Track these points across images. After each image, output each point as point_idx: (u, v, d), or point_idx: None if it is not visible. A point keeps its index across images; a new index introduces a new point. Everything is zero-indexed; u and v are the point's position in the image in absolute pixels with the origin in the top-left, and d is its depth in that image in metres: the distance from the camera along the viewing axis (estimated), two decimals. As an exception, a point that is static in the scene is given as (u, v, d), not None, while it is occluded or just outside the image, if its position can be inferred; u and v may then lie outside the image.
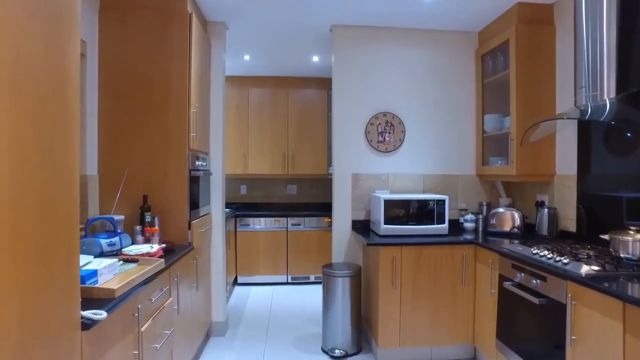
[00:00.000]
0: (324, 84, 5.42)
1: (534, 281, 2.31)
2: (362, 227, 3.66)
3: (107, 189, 2.80)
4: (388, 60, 3.71)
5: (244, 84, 5.35)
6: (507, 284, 2.57)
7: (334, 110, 3.71)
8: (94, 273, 1.70)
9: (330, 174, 5.37)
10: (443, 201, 3.31)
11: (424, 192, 3.75)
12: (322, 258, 5.14)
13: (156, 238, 2.64)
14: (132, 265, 2.15)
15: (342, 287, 3.26)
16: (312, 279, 5.19)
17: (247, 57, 4.60)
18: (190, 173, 2.91)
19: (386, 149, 3.69)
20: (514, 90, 3.14)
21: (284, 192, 5.74)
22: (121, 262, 2.17)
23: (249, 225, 5.09)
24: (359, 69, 3.69)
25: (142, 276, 1.94)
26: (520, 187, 3.62)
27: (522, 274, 2.46)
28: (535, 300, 2.22)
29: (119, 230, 2.49)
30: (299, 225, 5.13)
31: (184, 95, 2.86)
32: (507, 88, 3.44)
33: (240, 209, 5.54)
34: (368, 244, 3.00)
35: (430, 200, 3.30)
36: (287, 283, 5.19)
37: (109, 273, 1.85)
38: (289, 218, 5.12)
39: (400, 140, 3.71)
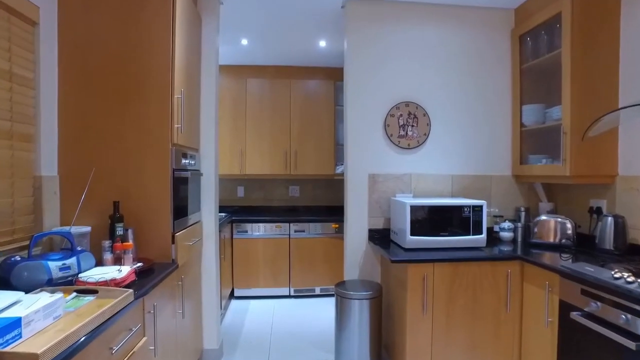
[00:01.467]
0: (330, 74, 4.86)
1: (623, 316, 1.75)
2: (380, 237, 3.10)
3: (71, 193, 2.23)
4: (410, 42, 3.15)
5: (242, 73, 4.78)
6: (575, 315, 2.01)
7: (347, 100, 3.14)
8: (14, 324, 1.13)
9: (338, 175, 4.81)
10: (480, 207, 2.75)
11: (452, 195, 3.19)
12: (329, 269, 4.58)
13: (129, 256, 2.07)
14: (88, 299, 1.58)
15: (360, 311, 2.70)
16: (317, 291, 4.62)
17: (244, 42, 4.03)
18: (174, 173, 2.34)
19: (409, 144, 3.13)
20: (567, 74, 2.58)
21: (285, 195, 5.17)
22: (74, 294, 1.60)
23: (246, 231, 4.52)
24: (376, 52, 3.12)
25: (98, 318, 1.37)
26: (565, 190, 3.06)
27: (599, 304, 1.89)
28: (631, 345, 1.66)
29: (78, 248, 1.91)
30: (303, 231, 4.56)
31: (165, 77, 2.28)
32: (553, 73, 2.88)
33: (236, 213, 4.97)
34: (394, 261, 2.44)
35: (466, 206, 2.73)
36: (289, 296, 4.63)
37: (45, 318, 1.28)
38: (291, 224, 4.55)
39: (425, 134, 3.14)
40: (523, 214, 3.12)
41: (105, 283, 1.70)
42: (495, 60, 3.23)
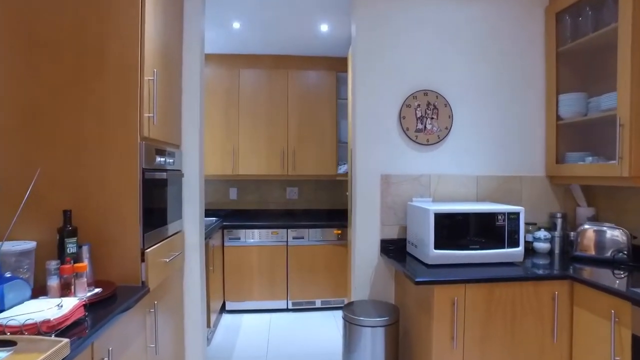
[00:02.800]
0: (332, 63, 4.38)
1: None
2: (395, 249, 2.62)
3: (10, 199, 1.74)
4: (428, 22, 2.68)
5: (234, 63, 4.30)
6: (659, 357, 1.55)
7: (355, 88, 2.67)
8: None
9: (340, 175, 4.34)
10: (517, 215, 2.28)
11: (477, 199, 2.72)
12: (331, 279, 4.10)
13: (82, 281, 1.58)
14: (1, 356, 1.09)
15: (372, 340, 2.22)
16: (318, 304, 4.14)
17: (236, 25, 3.54)
18: (144, 174, 1.86)
19: (427, 140, 2.66)
20: (626, 54, 2.11)
21: (282, 197, 4.69)
22: (-19, 349, 1.11)
23: (239, 238, 4.04)
24: (389, 33, 2.65)
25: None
26: (611, 194, 2.60)
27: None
28: None
29: (6, 275, 1.42)
30: (302, 238, 4.08)
31: (132, 53, 1.80)
32: (600, 56, 2.43)
33: (228, 217, 4.48)
34: (418, 283, 1.96)
35: (500, 213, 2.26)
36: (287, 310, 4.15)
37: None
38: (289, 230, 4.07)
39: (446, 128, 2.67)
40: (559, 220, 2.65)
41: (34, 327, 1.22)
42: (527, 42, 2.76)
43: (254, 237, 4.04)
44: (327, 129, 4.36)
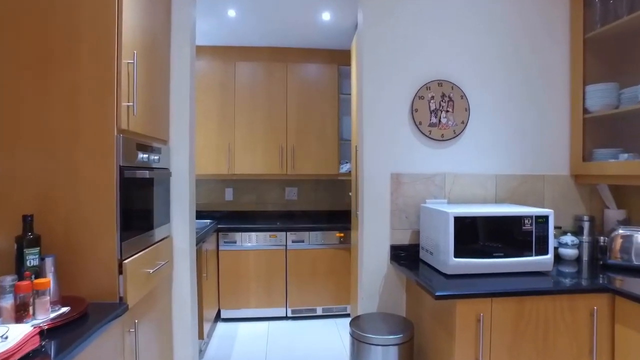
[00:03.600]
0: (334, 56, 4.11)
1: None
2: (406, 256, 2.36)
3: (-36, 202, 1.47)
4: (441, 8, 2.42)
5: (230, 55, 4.02)
6: None
7: (362, 79, 2.40)
8: None
9: (342, 174, 4.07)
10: (545, 218, 2.02)
11: (495, 201, 2.46)
12: (333, 285, 3.84)
13: (44, 300, 1.32)
14: None
15: (385, 360, 1.96)
16: (319, 311, 3.88)
17: (232, 13, 3.27)
18: (122, 173, 1.59)
19: (442, 135, 2.39)
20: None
21: (281, 198, 4.42)
22: None
23: (235, 242, 3.76)
24: (399, 20, 2.39)
25: None
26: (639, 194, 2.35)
27: None
28: None
29: (-57, 296, 1.16)
30: (302, 241, 3.82)
31: (107, 30, 1.53)
32: (635, 41, 2.17)
33: (224, 219, 4.21)
34: (439, 297, 1.70)
35: (527, 216, 2.00)
36: (286, 318, 3.88)
37: None
38: (288, 232, 3.80)
39: (462, 122, 2.41)
40: (587, 224, 2.40)
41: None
42: (550, 29, 2.50)
43: (250, 240, 3.77)
44: (328, 125, 4.09)
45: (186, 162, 2.26)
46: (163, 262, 2.02)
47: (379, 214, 2.37)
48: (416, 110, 2.36)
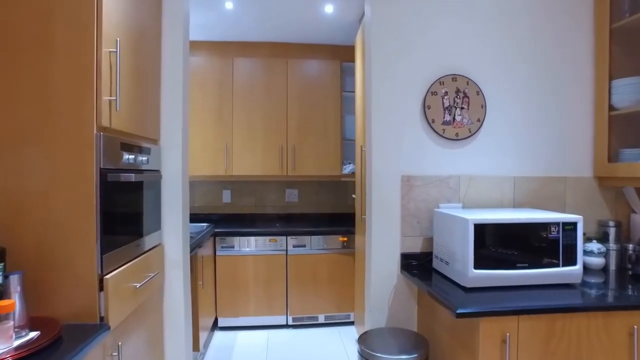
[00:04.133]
0: (336, 52, 3.92)
1: None
2: (419, 265, 2.17)
3: None
4: (456, -8, 2.23)
5: (228, 51, 3.83)
6: None
7: (370, 73, 2.21)
8: None
9: (345, 176, 3.88)
10: (573, 225, 1.83)
11: (514, 205, 2.27)
12: (336, 292, 3.64)
13: (8, 326, 1.12)
14: None
15: (398, 382, 1.77)
16: (321, 319, 3.68)
17: (229, 6, 3.08)
18: (103, 176, 1.40)
19: (457, 134, 2.20)
20: None
21: (281, 200, 4.22)
22: None
23: (233, 246, 3.57)
24: (410, 10, 2.19)
25: None
26: (677, 198, 2.16)
27: None
28: None
29: None
30: (303, 246, 3.62)
31: (86, 18, 1.34)
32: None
33: (221, 223, 4.01)
34: (461, 315, 1.51)
35: (553, 223, 1.81)
36: (287, 326, 3.68)
37: None
38: (289, 237, 3.61)
39: (478, 120, 2.22)
40: (613, 230, 2.21)
41: None
42: (572, 20, 2.32)
43: (249, 245, 3.58)
44: (330, 124, 3.90)
45: (179, 164, 2.06)
46: (153, 274, 1.83)
47: (388, 219, 2.17)
48: (428, 107, 2.17)
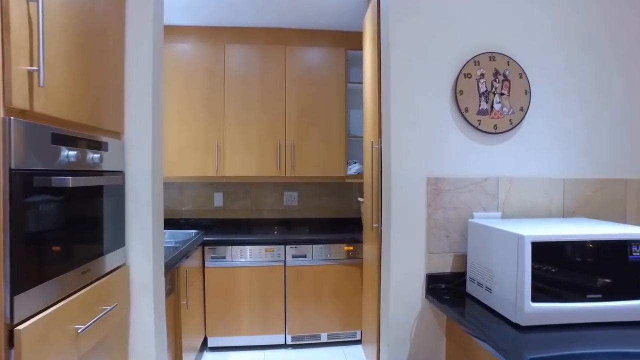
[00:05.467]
0: (340, 39, 3.48)
1: None
2: (448, 290, 1.73)
3: None
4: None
5: (219, 37, 3.38)
6: None
7: (390, 50, 1.77)
8: None
9: (350, 177, 3.45)
10: (658, 243, 1.39)
11: (563, 213, 1.83)
12: (339, 307, 3.20)
13: None
14: None
15: None
16: (323, 338, 3.24)
17: (218, -19, 2.64)
18: (15, 180, 0.95)
19: (495, 126, 1.76)
20: None
21: (279, 204, 3.77)
22: None
23: (224, 257, 3.12)
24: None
25: None
26: None
27: None
28: None
29: None
30: (304, 256, 3.18)
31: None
32: None
33: (212, 229, 3.57)
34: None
35: (635, 240, 1.37)
36: (285, 346, 3.24)
37: None
38: (287, 246, 3.16)
39: (521, 109, 1.78)
40: (685, 244, 1.77)
41: None
42: (628, -11, 1.88)
43: (242, 255, 3.13)
44: (334, 119, 3.46)
45: (148, 163, 1.62)
46: (110, 307, 1.38)
47: (410, 232, 1.73)
48: (461, 93, 1.73)
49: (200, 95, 3.33)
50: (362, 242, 3.14)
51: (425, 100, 1.74)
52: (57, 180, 1.08)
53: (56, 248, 1.11)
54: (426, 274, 1.74)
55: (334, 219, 3.79)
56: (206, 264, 3.10)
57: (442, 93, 1.74)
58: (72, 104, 1.20)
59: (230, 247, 3.12)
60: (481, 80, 1.73)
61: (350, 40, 3.46)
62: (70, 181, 1.10)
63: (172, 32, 3.30)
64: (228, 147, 3.36)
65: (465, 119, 1.74)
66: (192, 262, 2.80)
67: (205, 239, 3.10)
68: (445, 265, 1.74)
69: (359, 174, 3.48)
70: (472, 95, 1.73)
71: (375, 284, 2.35)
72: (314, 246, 3.18)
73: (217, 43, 3.36)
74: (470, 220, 1.68)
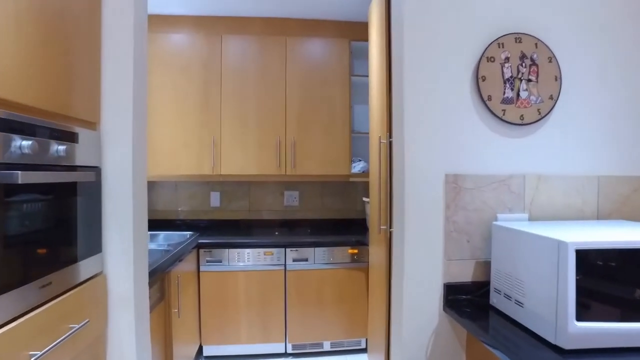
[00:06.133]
0: (344, 29, 3.26)
1: None
2: (470, 302, 1.52)
3: None
4: None
5: (215, 28, 3.17)
6: None
7: (404, 32, 1.56)
8: None
9: (355, 175, 3.25)
10: None
11: (598, 215, 1.62)
12: (343, 314, 2.99)
13: None
14: None
15: None
16: (326, 347, 3.03)
17: (213, -37, 2.43)
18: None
19: (522, 117, 1.55)
20: None
21: (279, 204, 3.56)
22: None
23: (220, 261, 2.91)
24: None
25: None
26: None
27: None
28: None
29: None
30: (305, 260, 2.97)
31: None
32: None
33: (208, 230, 3.36)
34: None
35: (695, 248, 1.16)
36: (286, 355, 3.03)
37: None
38: (288, 249, 2.96)
39: (551, 97, 1.57)
40: None
41: None
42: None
43: (240, 258, 2.93)
44: (337, 114, 3.25)
45: (128, 157, 1.41)
46: (80, 324, 1.17)
47: (426, 236, 1.52)
48: (483, 79, 1.52)
49: (196, 88, 3.13)
50: (367, 245, 2.93)
51: (443, 88, 1.53)
52: (1, 176, 0.87)
53: (11, 256, 0.90)
54: (444, 284, 1.53)
55: (337, 219, 3.58)
56: (201, 268, 2.89)
57: (462, 79, 1.53)
58: (28, 85, 0.99)
59: (227, 250, 2.91)
60: (506, 65, 1.52)
61: (355, 31, 3.24)
62: (20, 177, 0.90)
63: (166, 22, 3.10)
64: (225, 143, 3.15)
65: (488, 108, 1.53)
66: (186, 266, 2.60)
67: (200, 241, 2.89)
68: (465, 274, 1.53)
69: (364, 172, 3.27)
70: (495, 82, 1.52)
71: (383, 290, 2.15)
72: (316, 249, 2.97)
73: (214, 33, 3.15)
74: (494, 223, 1.47)
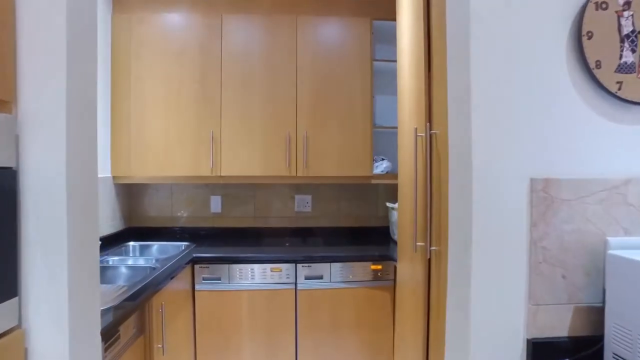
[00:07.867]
0: (364, 7, 2.77)
1: None
2: (572, 368, 1.02)
3: None
4: None
5: (214, 6, 2.70)
6: None
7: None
8: None
9: (377, 176, 2.77)
10: None
11: None
12: (364, 341, 2.50)
13: None
14: None
15: None
16: (344, 379, 2.55)
17: None
18: None
19: (646, 93, 1.04)
20: None
21: (289, 210, 3.07)
22: None
23: (219, 278, 2.44)
24: None
25: None
26: None
27: None
28: None
29: None
30: (320, 278, 2.48)
31: None
32: None
33: (206, 241, 2.89)
34: None
35: None
36: (296, 388, 2.55)
37: None
38: (299, 264, 2.47)
39: (688, 64, 1.05)
40: None
41: None
42: None
43: (243, 276, 2.45)
44: (356, 106, 2.75)
45: (61, 153, 0.94)
46: None
47: (499, 267, 1.02)
48: (589, 36, 1.01)
49: (192, 76, 2.66)
50: (393, 260, 2.43)
51: (525, 52, 1.03)
52: None
53: None
54: (527, 339, 1.02)
55: (356, 228, 3.08)
56: (196, 287, 2.43)
57: (555, 37, 1.03)
58: None
59: (227, 265, 2.44)
60: (625, 14, 1.01)
61: (378, 7, 2.75)
62: None
63: (157, 0, 2.65)
64: (226, 139, 2.68)
65: (596, 79, 1.02)
66: (177, 285, 2.15)
67: (195, 255, 2.42)
68: (560, 325, 1.02)
69: (388, 173, 2.77)
70: (608, 40, 1.01)
71: (419, 322, 1.69)
72: (333, 264, 2.49)
73: (213, 13, 2.69)
74: (609, 252, 0.96)
